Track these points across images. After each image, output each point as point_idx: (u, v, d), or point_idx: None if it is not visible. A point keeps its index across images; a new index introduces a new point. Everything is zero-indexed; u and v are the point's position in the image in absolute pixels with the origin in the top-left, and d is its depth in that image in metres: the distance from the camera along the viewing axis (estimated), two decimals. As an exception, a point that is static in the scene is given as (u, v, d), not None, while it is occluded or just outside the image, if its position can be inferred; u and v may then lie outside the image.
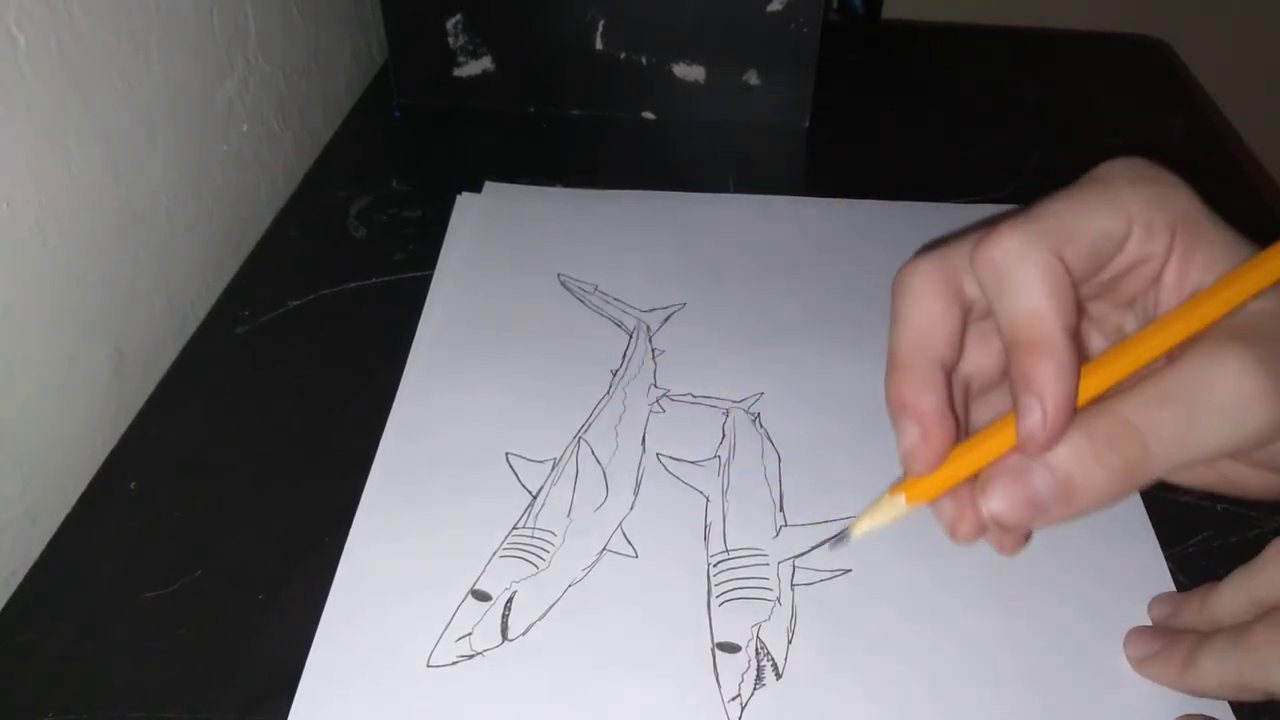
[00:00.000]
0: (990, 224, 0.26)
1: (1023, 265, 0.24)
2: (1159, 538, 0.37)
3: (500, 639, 0.34)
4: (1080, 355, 0.25)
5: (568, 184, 0.57)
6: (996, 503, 0.25)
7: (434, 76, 0.64)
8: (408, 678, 0.33)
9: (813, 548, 0.37)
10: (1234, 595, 0.31)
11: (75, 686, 0.33)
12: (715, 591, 0.35)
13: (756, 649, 0.34)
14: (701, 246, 0.52)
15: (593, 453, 0.41)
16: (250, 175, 0.56)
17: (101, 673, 0.33)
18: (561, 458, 0.40)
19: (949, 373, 0.26)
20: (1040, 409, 0.23)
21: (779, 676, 0.33)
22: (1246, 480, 0.27)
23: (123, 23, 0.44)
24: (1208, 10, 0.88)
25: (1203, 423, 0.23)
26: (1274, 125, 0.90)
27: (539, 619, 0.35)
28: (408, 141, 0.63)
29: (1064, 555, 0.36)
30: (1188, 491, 0.39)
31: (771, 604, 0.35)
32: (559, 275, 0.50)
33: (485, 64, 0.63)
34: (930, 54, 0.75)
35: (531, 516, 0.38)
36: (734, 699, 0.32)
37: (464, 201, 0.55)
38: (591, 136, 0.63)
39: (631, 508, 0.39)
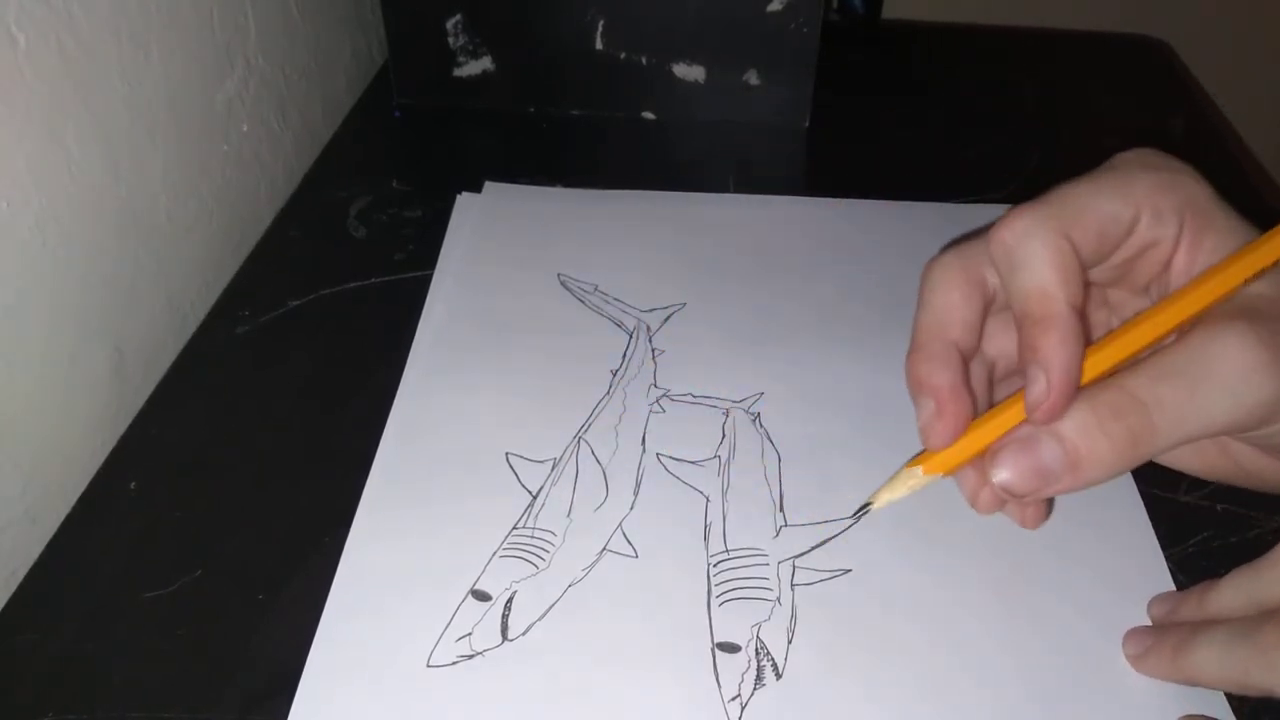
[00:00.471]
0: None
1: (1031, 244, 0.26)
2: (1159, 538, 0.37)
3: (500, 639, 0.34)
4: (1086, 331, 0.26)
5: (568, 184, 0.57)
6: (1005, 472, 0.26)
7: (434, 76, 0.63)
8: (408, 678, 0.33)
9: (813, 547, 0.37)
10: (1234, 594, 0.31)
11: (75, 686, 0.33)
12: (715, 591, 0.35)
13: (756, 649, 0.34)
14: (701, 246, 0.52)
15: (593, 453, 0.41)
16: (250, 175, 0.56)
17: (101, 673, 0.33)
18: (561, 458, 0.40)
19: (967, 356, 0.28)
20: (1045, 378, 0.25)
21: (779, 676, 0.33)
22: (1263, 469, 0.28)
23: (123, 23, 0.44)
24: (1208, 10, 0.88)
25: (1204, 395, 0.24)
26: (1274, 125, 0.90)
27: (539, 619, 0.35)
28: (408, 141, 0.63)
29: (1064, 555, 0.36)
30: (1188, 491, 0.39)
31: (771, 604, 0.35)
32: (559, 275, 0.50)
33: (485, 64, 0.63)
34: (930, 54, 0.75)
35: (531, 516, 0.38)
36: (734, 699, 0.32)
37: (464, 201, 0.55)
38: (591, 136, 0.63)
39: (631, 508, 0.39)
